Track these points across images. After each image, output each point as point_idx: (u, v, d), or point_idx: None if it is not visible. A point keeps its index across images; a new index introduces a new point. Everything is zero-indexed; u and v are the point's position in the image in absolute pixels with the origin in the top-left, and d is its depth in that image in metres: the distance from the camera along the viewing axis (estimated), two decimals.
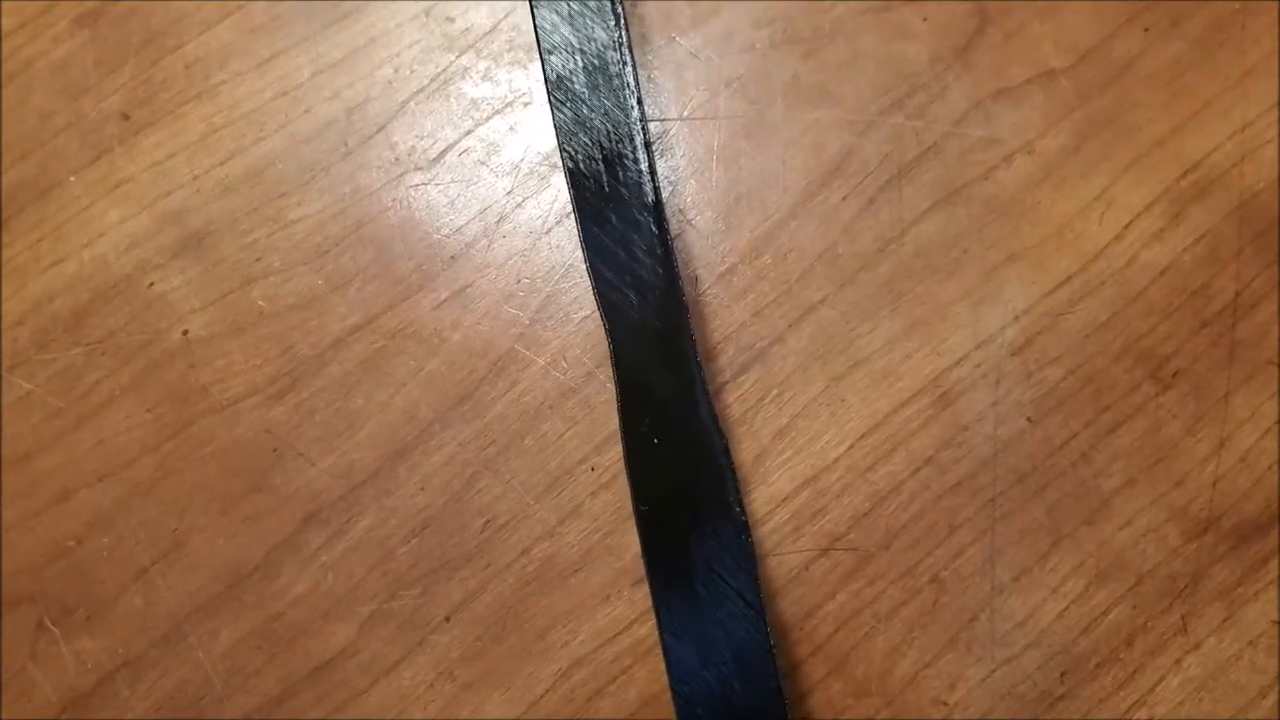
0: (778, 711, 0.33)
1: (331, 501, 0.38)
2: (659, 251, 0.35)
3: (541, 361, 0.39)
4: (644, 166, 0.36)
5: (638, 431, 0.34)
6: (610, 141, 0.36)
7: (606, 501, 0.38)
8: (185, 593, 0.37)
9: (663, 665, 0.36)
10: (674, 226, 0.39)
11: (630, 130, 0.36)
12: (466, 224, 0.40)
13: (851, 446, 0.38)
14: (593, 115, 0.36)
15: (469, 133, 0.41)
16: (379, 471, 0.38)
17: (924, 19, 0.42)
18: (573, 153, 0.36)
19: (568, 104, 0.36)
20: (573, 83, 0.37)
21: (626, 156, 0.36)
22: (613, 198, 0.36)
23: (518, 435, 0.38)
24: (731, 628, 0.33)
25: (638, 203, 0.36)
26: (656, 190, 0.36)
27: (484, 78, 0.42)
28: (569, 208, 0.40)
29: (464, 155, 0.41)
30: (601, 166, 0.36)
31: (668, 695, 0.35)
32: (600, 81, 0.37)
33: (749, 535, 0.34)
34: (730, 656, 0.33)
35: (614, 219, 0.36)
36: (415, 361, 0.39)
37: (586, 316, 0.39)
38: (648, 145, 0.36)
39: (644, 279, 0.35)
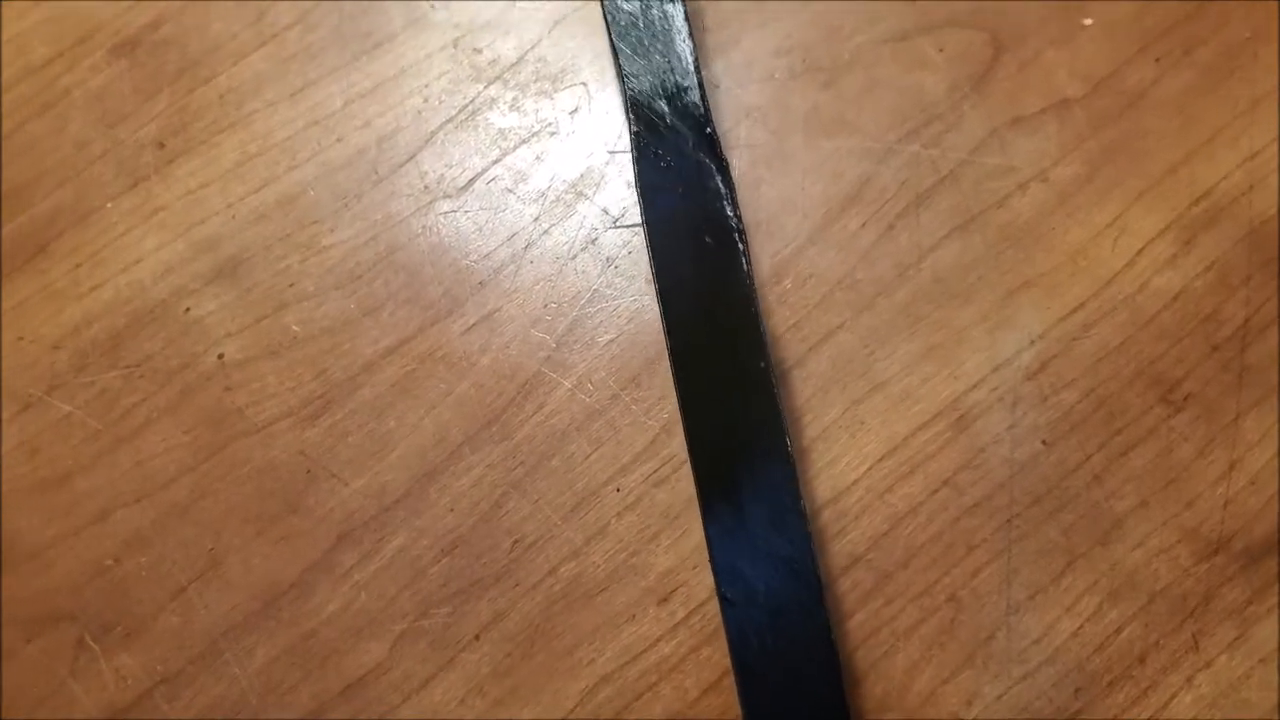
0: (821, 623, 0.35)
1: (364, 522, 0.39)
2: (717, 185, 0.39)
3: (568, 384, 0.40)
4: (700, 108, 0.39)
5: (684, 342, 0.37)
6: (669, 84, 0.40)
7: (631, 522, 0.39)
8: (221, 611, 0.38)
9: (688, 682, 0.37)
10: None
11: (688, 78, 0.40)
12: (494, 250, 0.41)
13: (870, 468, 0.39)
14: (651, 67, 0.39)
15: (497, 161, 0.42)
16: (410, 492, 0.39)
17: (940, 49, 0.43)
18: (637, 94, 0.40)
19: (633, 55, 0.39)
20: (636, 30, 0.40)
21: (688, 96, 0.39)
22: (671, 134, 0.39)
23: (545, 457, 0.39)
24: (778, 546, 0.35)
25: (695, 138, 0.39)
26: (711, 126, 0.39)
27: (511, 108, 0.43)
28: (594, 234, 0.41)
29: (492, 183, 0.42)
30: (665, 105, 0.39)
31: (693, 713, 0.37)
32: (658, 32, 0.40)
33: (794, 464, 0.36)
34: (782, 602, 0.35)
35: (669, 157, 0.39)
36: (445, 384, 0.40)
37: (612, 340, 0.40)
38: (702, 91, 0.39)
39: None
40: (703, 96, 0.40)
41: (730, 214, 0.38)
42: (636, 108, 0.39)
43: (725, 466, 0.36)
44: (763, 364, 0.37)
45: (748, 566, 0.35)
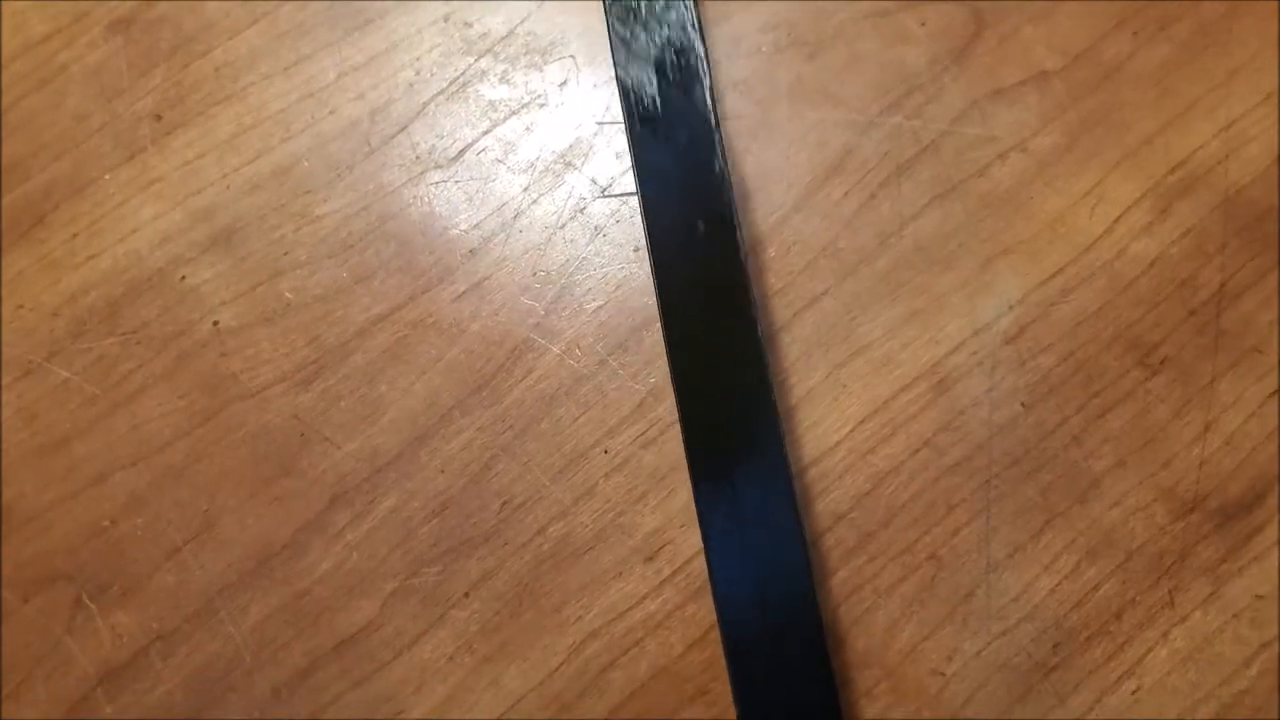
0: (810, 609, 0.35)
1: (356, 484, 0.39)
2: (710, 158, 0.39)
3: (556, 350, 0.40)
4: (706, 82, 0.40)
5: (681, 329, 0.38)
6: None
7: (618, 483, 0.39)
8: (216, 570, 0.39)
9: (673, 638, 0.37)
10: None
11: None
12: (484, 219, 0.42)
13: (853, 430, 0.40)
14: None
15: (487, 132, 0.43)
16: (401, 455, 0.40)
17: (922, 23, 0.43)
18: (630, 70, 0.40)
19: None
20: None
21: (686, 72, 0.40)
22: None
23: (534, 420, 0.40)
24: (769, 532, 0.36)
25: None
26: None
27: (501, 80, 0.44)
28: (582, 204, 0.42)
29: (482, 154, 0.43)
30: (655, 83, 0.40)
31: (678, 667, 0.37)
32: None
33: (785, 446, 0.37)
34: (767, 559, 0.36)
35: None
36: (436, 350, 0.41)
37: (600, 307, 0.41)
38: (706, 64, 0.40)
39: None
40: (706, 71, 0.40)
41: (725, 194, 0.39)
42: (632, 80, 0.40)
43: (716, 441, 0.37)
44: (757, 352, 0.37)
45: (736, 535, 0.36)
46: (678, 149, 0.39)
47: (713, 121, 0.39)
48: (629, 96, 0.40)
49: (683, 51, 0.40)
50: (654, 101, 0.39)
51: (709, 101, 0.39)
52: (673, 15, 0.40)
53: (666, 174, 0.39)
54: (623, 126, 0.42)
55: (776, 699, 0.35)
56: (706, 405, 0.37)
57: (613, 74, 0.43)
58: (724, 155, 0.39)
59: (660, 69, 0.40)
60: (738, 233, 0.38)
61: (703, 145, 0.39)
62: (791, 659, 0.35)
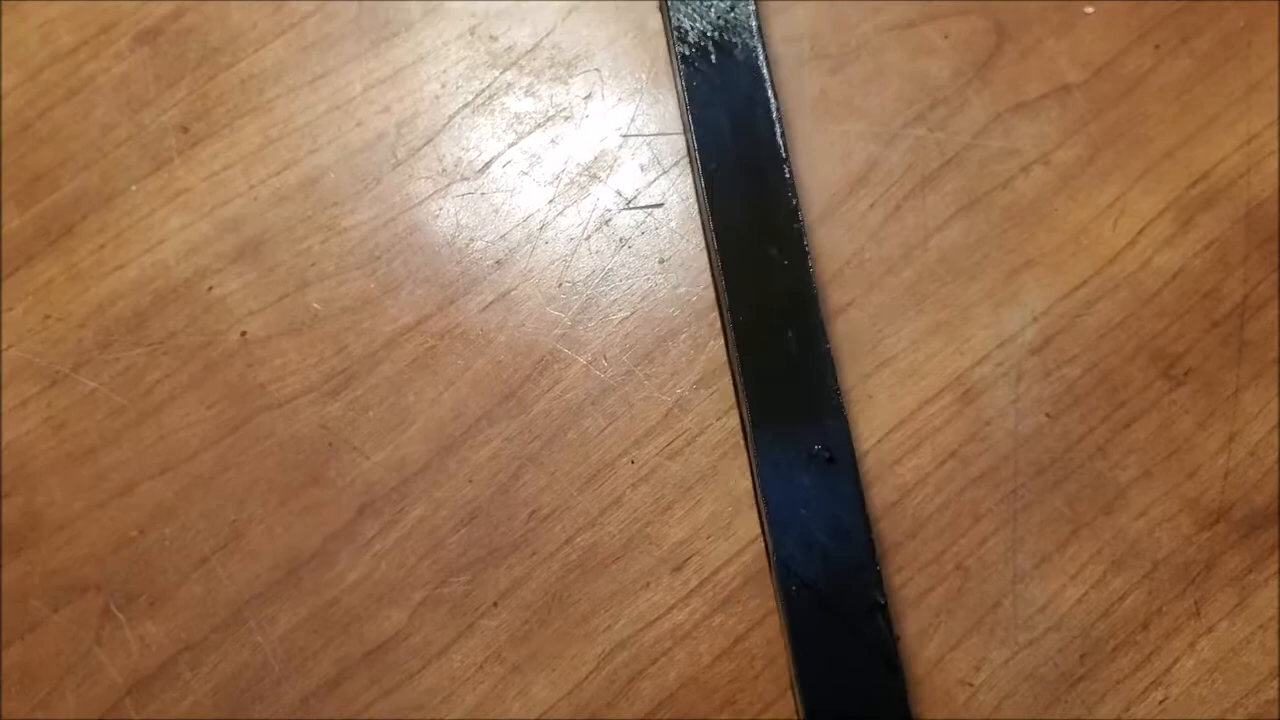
0: (869, 566, 0.37)
1: (384, 493, 0.40)
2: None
3: (583, 361, 0.41)
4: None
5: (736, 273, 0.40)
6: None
7: (645, 493, 0.39)
8: (244, 580, 0.39)
9: (701, 648, 0.38)
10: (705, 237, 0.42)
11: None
12: (510, 231, 0.42)
13: (879, 441, 0.40)
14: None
15: (512, 145, 0.43)
16: (429, 465, 0.40)
17: (945, 36, 0.44)
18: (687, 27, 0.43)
19: None
20: None
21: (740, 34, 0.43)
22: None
23: (561, 430, 0.40)
24: (826, 490, 0.38)
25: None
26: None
27: (526, 93, 0.44)
28: (607, 215, 0.42)
29: (508, 166, 0.43)
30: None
31: (706, 677, 0.37)
32: None
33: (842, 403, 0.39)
34: (824, 516, 0.38)
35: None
36: (463, 361, 0.41)
37: (625, 318, 0.41)
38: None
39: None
40: (759, 30, 0.42)
41: (780, 145, 0.41)
42: (687, 38, 0.42)
43: (776, 406, 0.38)
44: (816, 321, 0.39)
45: (797, 505, 0.37)
46: (731, 111, 0.41)
47: (769, 91, 0.41)
48: (680, 59, 0.42)
49: (736, 25, 0.42)
50: (709, 65, 0.41)
51: (764, 69, 0.42)
52: None
53: (720, 133, 0.41)
54: (647, 140, 0.43)
55: (838, 668, 0.36)
56: (766, 373, 0.39)
57: (637, 87, 0.44)
58: (780, 118, 0.41)
59: (714, 34, 0.42)
60: (793, 200, 0.40)
61: (758, 111, 0.41)
62: (853, 631, 0.36)
